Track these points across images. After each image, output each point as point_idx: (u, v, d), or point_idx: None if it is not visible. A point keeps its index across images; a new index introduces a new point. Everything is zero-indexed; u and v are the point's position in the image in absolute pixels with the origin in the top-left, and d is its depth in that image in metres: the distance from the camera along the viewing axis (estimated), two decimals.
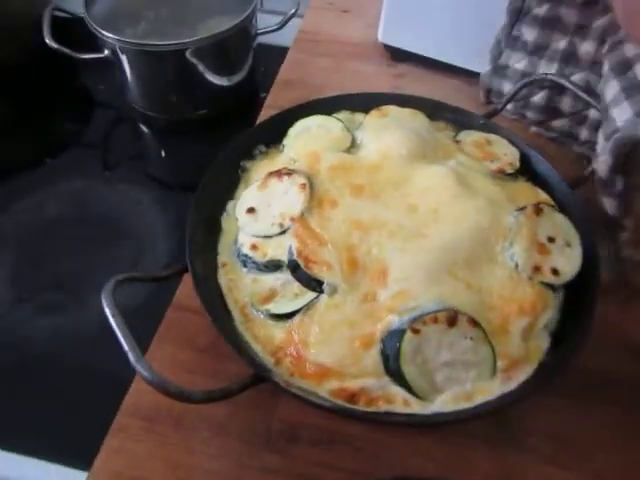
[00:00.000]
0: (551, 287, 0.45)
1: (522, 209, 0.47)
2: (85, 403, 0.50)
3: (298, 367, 0.41)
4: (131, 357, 0.36)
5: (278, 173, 0.50)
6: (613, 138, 0.45)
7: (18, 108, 0.81)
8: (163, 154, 0.78)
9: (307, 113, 0.56)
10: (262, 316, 0.44)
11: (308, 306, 0.43)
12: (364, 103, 0.58)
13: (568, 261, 0.46)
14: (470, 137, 0.56)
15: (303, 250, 0.44)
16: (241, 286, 0.46)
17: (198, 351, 0.47)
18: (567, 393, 0.44)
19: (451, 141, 0.55)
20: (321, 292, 0.43)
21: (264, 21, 0.79)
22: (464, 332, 0.40)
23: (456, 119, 0.59)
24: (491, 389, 0.41)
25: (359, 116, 0.58)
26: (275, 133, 0.56)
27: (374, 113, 0.57)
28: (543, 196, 0.52)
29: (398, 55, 0.74)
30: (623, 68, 0.48)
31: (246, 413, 0.43)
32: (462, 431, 0.43)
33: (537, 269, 0.45)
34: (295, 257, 0.44)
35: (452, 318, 0.40)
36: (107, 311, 0.38)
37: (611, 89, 0.48)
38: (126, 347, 0.37)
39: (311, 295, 0.44)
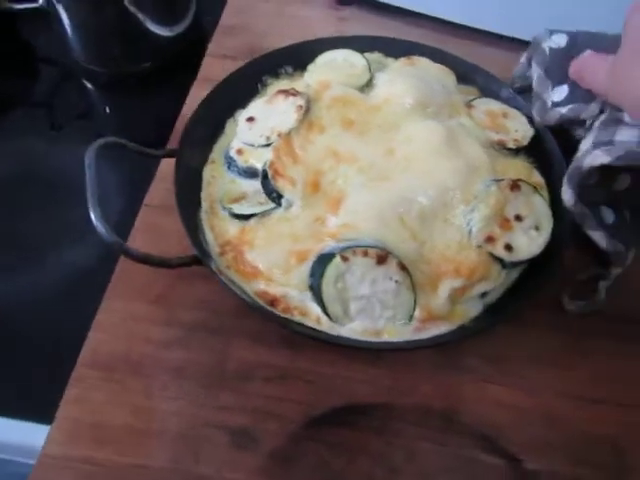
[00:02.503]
0: (500, 262, 0.45)
1: (499, 181, 0.47)
2: (45, 361, 0.51)
3: (236, 262, 0.46)
4: (92, 214, 0.41)
5: (286, 92, 0.53)
6: (569, 168, 0.45)
7: None
8: (108, 110, 0.76)
9: (342, 45, 0.58)
10: (225, 213, 0.48)
11: (264, 214, 0.47)
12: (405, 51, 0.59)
13: (528, 243, 0.45)
14: (487, 105, 0.55)
15: (275, 163, 0.48)
16: (219, 183, 0.51)
17: (150, 302, 0.48)
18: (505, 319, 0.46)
19: (463, 103, 0.55)
20: (279, 205, 0.47)
21: None
22: (390, 273, 0.42)
23: (486, 86, 0.58)
24: (401, 333, 0.43)
25: (390, 61, 0.59)
26: (305, 58, 0.58)
27: (403, 60, 0.58)
28: (536, 178, 0.51)
29: None
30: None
31: (201, 357, 0.46)
32: (405, 360, 0.46)
33: (490, 240, 0.45)
34: (267, 167, 0.48)
35: (382, 257, 0.42)
36: (86, 161, 0.44)
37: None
38: (90, 202, 0.42)
39: (270, 205, 0.47)
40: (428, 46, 0.59)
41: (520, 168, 0.51)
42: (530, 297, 0.45)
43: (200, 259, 0.43)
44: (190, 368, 0.45)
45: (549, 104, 0.53)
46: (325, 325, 0.43)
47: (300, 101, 0.51)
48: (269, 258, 0.45)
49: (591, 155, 0.42)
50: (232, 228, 0.48)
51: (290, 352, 0.45)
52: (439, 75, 0.57)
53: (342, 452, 0.42)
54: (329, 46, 0.58)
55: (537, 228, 0.46)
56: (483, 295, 0.46)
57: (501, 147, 0.52)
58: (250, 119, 0.52)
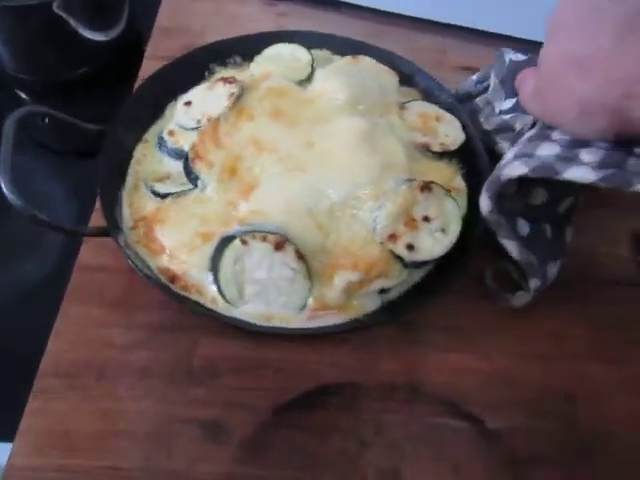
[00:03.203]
0: (401, 260, 0.46)
1: (411, 180, 0.48)
2: (4, 376, 0.50)
3: (146, 238, 0.47)
4: (2, 179, 0.42)
5: (225, 79, 0.54)
6: (490, 176, 0.45)
7: None
8: (47, 120, 0.74)
9: (293, 40, 0.59)
10: (147, 191, 0.50)
11: (181, 193, 0.48)
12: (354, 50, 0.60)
13: (432, 245, 0.46)
14: (422, 108, 0.56)
15: (198, 145, 0.49)
16: (148, 162, 0.52)
17: (109, 306, 0.47)
18: (459, 291, 0.48)
19: (397, 104, 0.55)
20: (195, 186, 0.48)
21: None
22: (287, 261, 0.43)
23: (427, 89, 0.59)
24: (292, 320, 0.44)
25: (337, 58, 0.60)
26: (254, 49, 0.59)
27: (348, 59, 0.59)
28: (457, 183, 0.51)
29: None
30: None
31: (167, 356, 0.46)
32: (369, 340, 0.47)
33: (393, 237, 0.45)
34: (189, 149, 0.50)
35: (279, 243, 0.43)
36: (4, 130, 0.44)
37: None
38: (1, 167, 0.42)
39: (188, 186, 0.49)
40: (377, 48, 0.60)
41: (443, 171, 0.52)
42: (431, 297, 0.46)
43: (108, 231, 0.45)
44: (155, 367, 0.45)
45: (497, 111, 0.54)
46: (220, 306, 0.45)
47: (234, 89, 0.52)
48: (176, 236, 0.46)
49: (511, 165, 0.42)
50: (150, 205, 0.49)
51: (256, 344, 0.46)
52: (381, 75, 0.57)
53: (314, 433, 0.43)
54: (279, 39, 0.59)
55: (444, 231, 0.47)
56: (383, 291, 0.46)
57: (425, 149, 0.53)
58: (187, 103, 0.54)
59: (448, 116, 0.56)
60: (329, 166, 0.48)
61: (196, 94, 0.55)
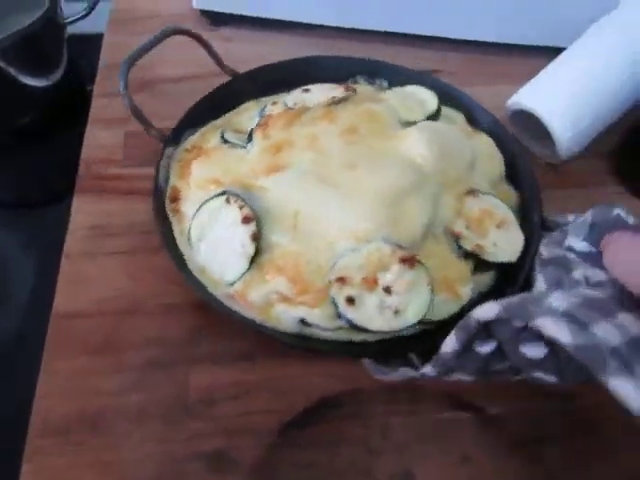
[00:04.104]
0: (335, 307, 0.42)
1: (398, 246, 0.44)
2: None
3: (186, 162, 0.53)
4: None
5: (347, 87, 0.58)
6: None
7: None
8: None
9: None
10: (219, 132, 0.55)
11: (234, 145, 0.53)
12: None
13: (373, 315, 0.42)
14: (492, 206, 0.49)
15: (270, 117, 0.54)
16: (242, 117, 0.58)
17: (93, 353, 0.46)
18: None
19: (467, 188, 0.50)
20: (245, 147, 0.53)
21: (71, 9, 0.74)
22: (244, 238, 0.45)
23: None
24: (219, 287, 0.46)
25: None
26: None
27: (465, 128, 0.58)
28: (463, 291, 0.45)
29: (218, 19, 0.74)
30: None
31: (160, 394, 0.45)
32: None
33: (341, 281, 0.43)
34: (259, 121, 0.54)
35: (247, 218, 0.46)
36: None
37: None
38: None
39: (243, 144, 0.53)
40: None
41: (454, 268, 0.45)
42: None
43: (166, 142, 0.53)
44: (151, 408, 0.43)
45: (566, 244, 0.43)
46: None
47: (341, 94, 0.55)
48: (201, 172, 0.50)
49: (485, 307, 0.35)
50: (212, 142, 0.54)
51: (248, 365, 0.45)
52: (485, 161, 0.54)
53: (322, 448, 0.42)
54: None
55: (397, 312, 0.42)
56: (303, 321, 0.43)
57: (454, 238, 0.46)
58: (306, 90, 0.57)
59: (514, 228, 0.48)
60: (349, 192, 0.46)
61: (320, 88, 0.57)
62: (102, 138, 0.60)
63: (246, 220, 0.45)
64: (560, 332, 0.31)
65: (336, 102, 0.54)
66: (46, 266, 0.56)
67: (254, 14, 0.73)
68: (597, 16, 0.60)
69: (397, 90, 0.59)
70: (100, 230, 0.53)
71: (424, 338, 0.43)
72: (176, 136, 0.54)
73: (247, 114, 0.57)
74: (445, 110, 0.58)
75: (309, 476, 0.41)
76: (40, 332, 0.48)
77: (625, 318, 0.33)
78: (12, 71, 0.64)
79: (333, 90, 0.56)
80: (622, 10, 0.60)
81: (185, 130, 0.55)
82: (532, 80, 0.60)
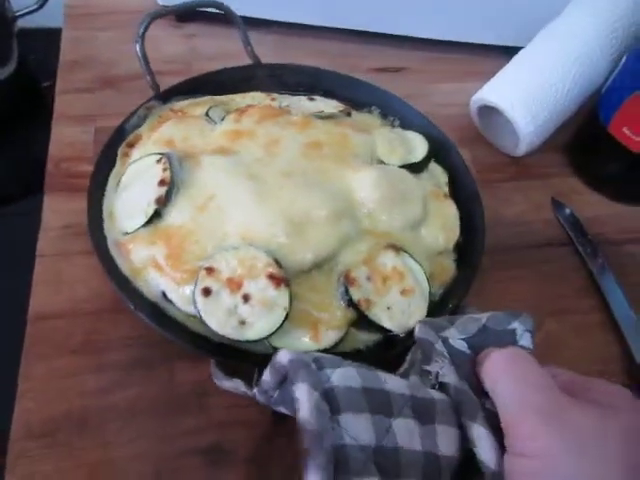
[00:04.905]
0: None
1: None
2: None
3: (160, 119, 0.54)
4: None
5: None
6: None
7: None
8: None
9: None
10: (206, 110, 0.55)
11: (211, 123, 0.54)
12: None
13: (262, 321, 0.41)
14: (401, 266, 0.45)
15: (246, 108, 0.55)
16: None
17: (73, 353, 0.45)
18: None
19: (388, 245, 0.46)
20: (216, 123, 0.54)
21: (20, 3, 0.72)
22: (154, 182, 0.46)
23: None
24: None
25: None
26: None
27: (436, 192, 0.53)
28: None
29: (182, 15, 0.74)
30: None
31: (148, 391, 0.43)
32: None
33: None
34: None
35: (164, 165, 0.47)
36: None
37: None
38: None
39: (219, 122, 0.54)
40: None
41: (330, 312, 0.43)
42: None
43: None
44: (140, 405, 0.42)
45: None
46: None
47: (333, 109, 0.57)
48: (170, 130, 0.51)
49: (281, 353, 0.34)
50: (198, 112, 0.56)
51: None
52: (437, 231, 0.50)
53: None
54: None
55: (242, 323, 0.40)
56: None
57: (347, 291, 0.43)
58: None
59: (418, 302, 0.44)
60: (267, 195, 0.46)
61: (325, 101, 0.58)
62: (70, 135, 0.58)
63: (161, 183, 0.45)
64: (303, 408, 0.31)
65: (322, 116, 0.54)
66: (13, 269, 0.54)
67: (214, 10, 0.72)
68: (551, 16, 0.64)
69: (397, 130, 0.57)
70: (73, 229, 0.51)
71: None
72: (167, 94, 0.55)
73: (249, 101, 0.57)
74: (432, 166, 0.55)
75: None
76: (14, 335, 0.46)
77: (412, 426, 0.33)
78: None
79: (334, 107, 0.57)
80: (572, 10, 0.64)
81: (178, 94, 0.56)
82: (494, 77, 0.63)
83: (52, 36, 0.74)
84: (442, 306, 0.46)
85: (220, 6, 0.58)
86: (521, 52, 0.64)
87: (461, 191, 0.54)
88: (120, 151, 0.51)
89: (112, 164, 0.50)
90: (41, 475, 0.39)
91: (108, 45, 0.70)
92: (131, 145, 0.51)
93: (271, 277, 0.41)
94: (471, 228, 0.50)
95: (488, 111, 0.62)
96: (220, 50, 0.69)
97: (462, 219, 0.51)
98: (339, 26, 0.72)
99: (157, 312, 0.42)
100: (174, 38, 0.73)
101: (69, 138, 0.58)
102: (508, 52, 0.67)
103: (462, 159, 0.55)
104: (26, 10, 0.73)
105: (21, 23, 0.78)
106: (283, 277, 0.41)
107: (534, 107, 0.59)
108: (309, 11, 0.71)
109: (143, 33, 0.52)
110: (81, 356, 0.45)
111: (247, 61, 0.61)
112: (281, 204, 0.44)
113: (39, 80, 0.80)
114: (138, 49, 0.53)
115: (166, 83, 0.56)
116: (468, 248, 0.50)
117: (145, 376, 0.44)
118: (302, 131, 0.51)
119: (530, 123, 0.59)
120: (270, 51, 0.64)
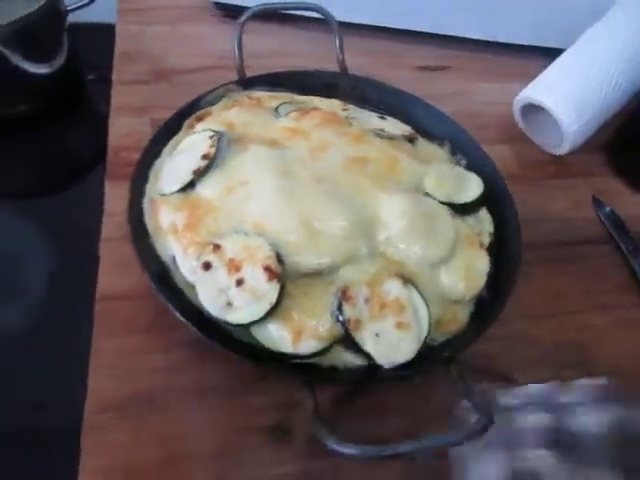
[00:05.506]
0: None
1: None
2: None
3: None
4: None
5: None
6: None
7: None
8: None
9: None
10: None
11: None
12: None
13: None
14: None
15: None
16: None
17: (141, 332, 0.46)
18: None
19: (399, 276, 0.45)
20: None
21: None
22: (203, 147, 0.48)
23: None
24: None
25: None
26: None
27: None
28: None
29: (231, 12, 0.75)
30: None
31: (214, 369, 0.45)
32: None
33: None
34: None
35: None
36: None
37: None
38: None
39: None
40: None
41: (318, 320, 0.42)
42: None
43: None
44: (208, 383, 0.44)
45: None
46: None
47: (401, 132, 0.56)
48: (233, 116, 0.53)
49: None
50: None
51: None
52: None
53: (372, 411, 0.44)
54: None
55: (230, 305, 0.41)
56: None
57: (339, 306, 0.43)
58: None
59: (409, 342, 0.42)
60: (292, 193, 0.46)
61: (394, 122, 0.57)
62: (128, 125, 0.60)
63: (204, 157, 0.47)
64: None
65: (381, 135, 0.53)
66: (59, 254, 0.56)
67: (266, 6, 0.74)
68: (592, 19, 0.66)
69: (458, 168, 0.54)
70: None
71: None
72: (250, 81, 0.58)
73: (325, 106, 0.57)
74: (483, 214, 0.52)
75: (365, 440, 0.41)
76: (67, 316, 0.48)
77: None
78: (14, 58, 0.64)
79: (400, 130, 0.56)
80: (615, 12, 0.66)
81: (260, 84, 0.58)
82: (539, 77, 0.64)
83: (96, 31, 0.77)
84: (436, 353, 0.44)
85: (320, 10, 0.59)
86: (565, 53, 0.65)
87: (504, 247, 0.50)
88: (187, 122, 0.53)
89: (176, 131, 0.52)
90: (113, 444, 0.41)
91: (158, 40, 0.71)
92: (200, 119, 0.53)
93: (267, 269, 0.41)
94: (498, 288, 0.47)
95: (532, 110, 0.64)
96: (269, 47, 0.70)
97: (493, 275, 0.47)
98: (391, 26, 0.74)
99: (163, 273, 0.44)
100: (224, 33, 0.75)
101: (126, 128, 0.60)
102: (549, 54, 0.68)
103: (517, 215, 0.50)
104: (78, 4, 0.75)
105: (70, 18, 0.80)
106: (278, 273, 0.41)
107: (578, 106, 0.61)
108: (363, 11, 0.72)
109: (243, 23, 0.58)
110: (149, 335, 0.46)
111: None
112: (302, 205, 0.45)
113: (84, 73, 0.82)
114: (236, 37, 0.58)
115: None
116: (489, 305, 0.47)
117: (211, 356, 0.45)
118: (354, 144, 0.51)
119: (574, 122, 0.60)
120: (320, 48, 0.64)
